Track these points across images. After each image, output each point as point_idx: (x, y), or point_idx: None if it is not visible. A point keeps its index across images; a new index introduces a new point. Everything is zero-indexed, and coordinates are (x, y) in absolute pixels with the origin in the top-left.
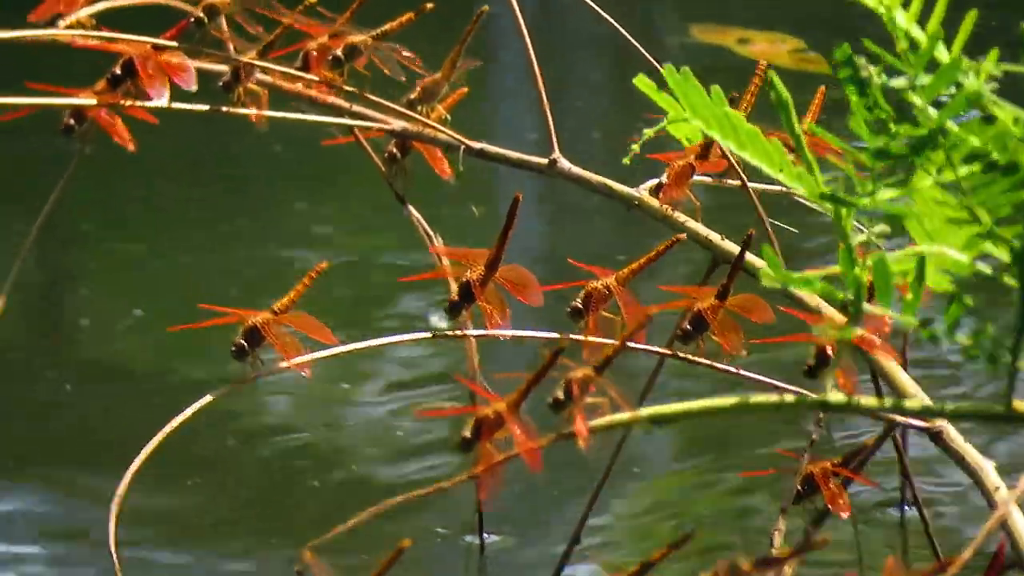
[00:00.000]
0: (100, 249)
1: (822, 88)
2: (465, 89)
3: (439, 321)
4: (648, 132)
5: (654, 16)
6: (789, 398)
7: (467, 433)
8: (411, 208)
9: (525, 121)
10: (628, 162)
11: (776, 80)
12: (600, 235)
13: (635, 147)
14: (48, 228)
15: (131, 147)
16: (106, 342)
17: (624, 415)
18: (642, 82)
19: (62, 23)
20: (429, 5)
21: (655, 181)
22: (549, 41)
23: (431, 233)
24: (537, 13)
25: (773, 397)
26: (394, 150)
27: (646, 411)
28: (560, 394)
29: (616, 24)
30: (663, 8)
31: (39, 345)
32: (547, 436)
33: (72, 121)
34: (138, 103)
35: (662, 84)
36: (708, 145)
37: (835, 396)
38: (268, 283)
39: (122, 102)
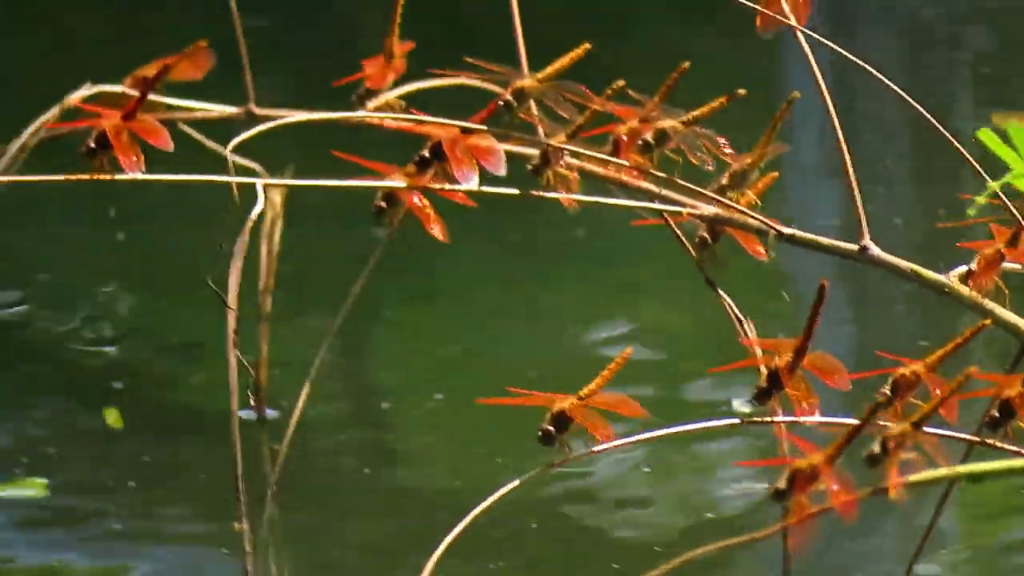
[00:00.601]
0: (399, 329)
1: None
2: (776, 174)
3: (741, 406)
4: (993, 185)
5: (951, 102)
6: None
7: (781, 485)
8: (722, 293)
9: (824, 205)
10: (972, 212)
11: None
12: (901, 321)
13: (980, 198)
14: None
15: (443, 237)
16: (408, 427)
17: (942, 471)
18: (986, 135)
19: (371, 104)
20: (741, 91)
21: (964, 268)
22: (843, 123)
23: (742, 319)
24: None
25: None
26: (705, 235)
27: (964, 468)
28: (876, 448)
29: (916, 104)
30: (960, 94)
31: (341, 428)
32: (862, 489)
33: (384, 204)
34: (448, 186)
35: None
36: (1017, 233)
37: None
38: (568, 366)
39: (433, 185)
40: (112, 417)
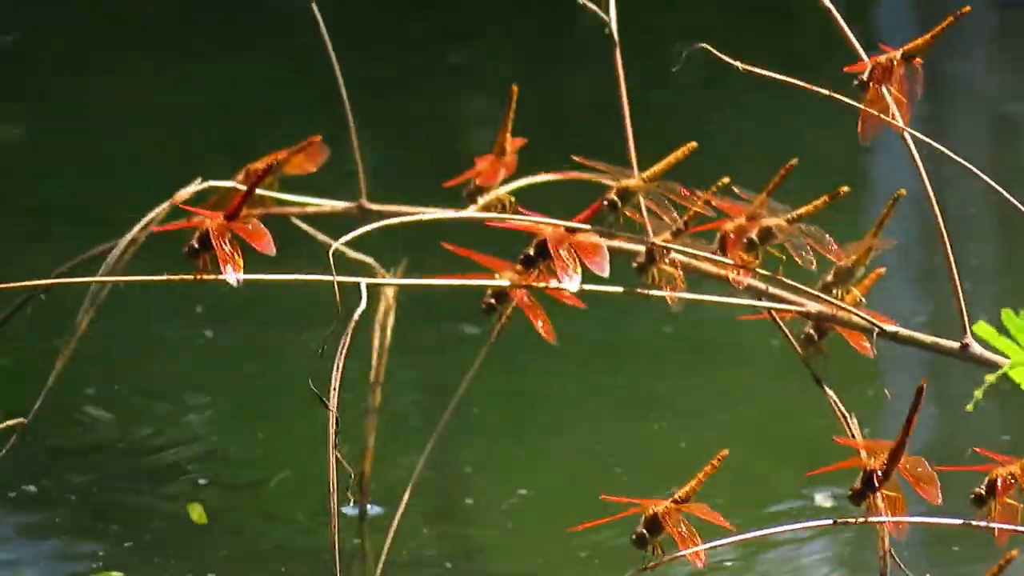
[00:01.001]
0: (484, 424)
1: None
2: (882, 270)
3: (824, 500)
4: (990, 378)
5: None
6: None
7: None
8: (828, 390)
9: (911, 300)
10: (971, 408)
11: None
12: (983, 417)
13: (969, 407)
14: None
15: (551, 337)
16: (491, 524)
17: None
18: (982, 328)
19: (480, 200)
20: (845, 189)
21: None
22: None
23: (847, 416)
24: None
25: None
26: (811, 331)
27: None
28: (982, 490)
29: (1008, 196)
30: None
31: (427, 522)
32: None
33: (493, 300)
34: (552, 283)
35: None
36: None
37: None
38: (654, 462)
39: (540, 283)
40: (196, 513)
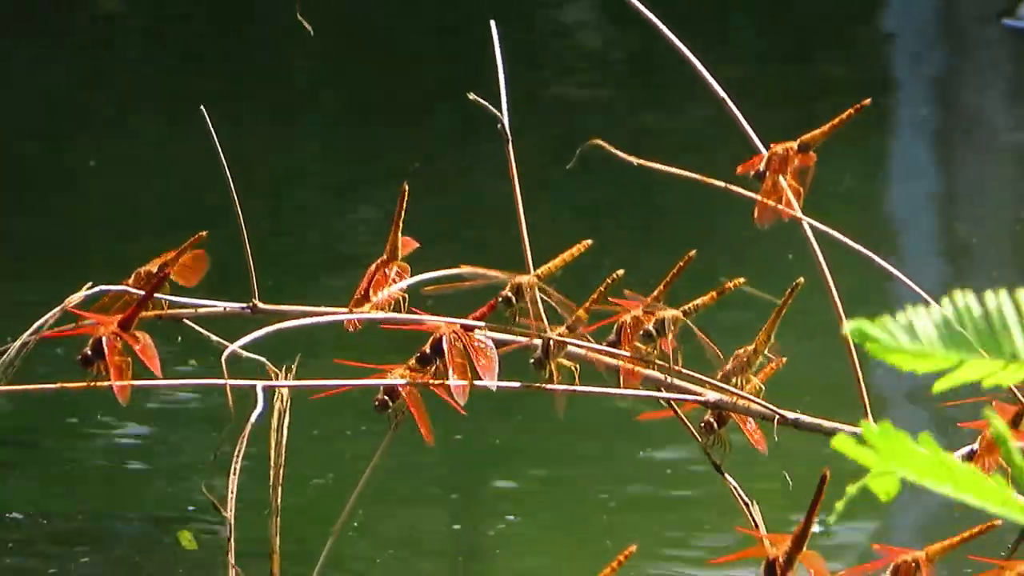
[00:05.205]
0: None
1: None
2: (783, 360)
3: None
4: (851, 489)
5: None
6: None
7: None
8: (729, 479)
9: (834, 378)
10: (832, 522)
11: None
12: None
13: (830, 520)
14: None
15: (430, 440)
16: None
17: None
18: (841, 442)
19: (374, 299)
20: (740, 280)
21: (968, 449)
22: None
23: (748, 503)
24: None
25: None
26: (711, 420)
27: None
28: None
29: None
30: None
31: None
32: None
33: (386, 398)
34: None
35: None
36: (1020, 414)
37: None
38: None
39: (430, 382)
40: None
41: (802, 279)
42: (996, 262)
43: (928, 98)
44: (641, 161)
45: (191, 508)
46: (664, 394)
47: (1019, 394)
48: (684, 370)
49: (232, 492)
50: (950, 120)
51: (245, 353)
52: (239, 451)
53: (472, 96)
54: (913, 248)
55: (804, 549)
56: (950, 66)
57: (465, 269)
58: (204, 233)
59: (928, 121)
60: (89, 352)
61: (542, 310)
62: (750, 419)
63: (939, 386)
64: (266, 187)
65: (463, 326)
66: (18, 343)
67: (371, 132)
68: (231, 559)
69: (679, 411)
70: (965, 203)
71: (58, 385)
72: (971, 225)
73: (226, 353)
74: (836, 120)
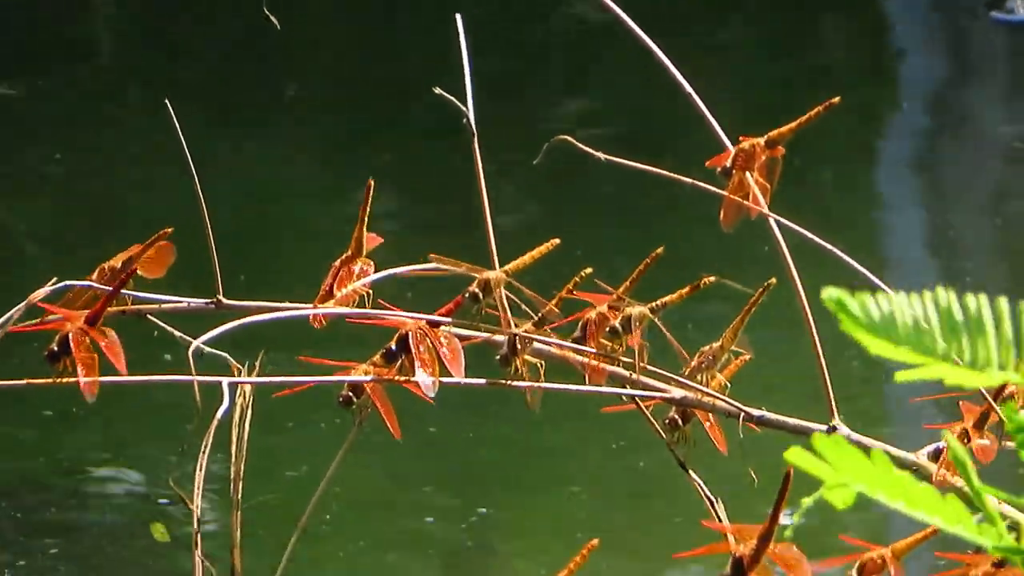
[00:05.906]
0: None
1: None
2: (748, 356)
3: None
4: (806, 501)
5: None
6: None
7: None
8: (693, 475)
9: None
10: (789, 534)
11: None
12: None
13: (788, 533)
14: None
15: (397, 435)
16: None
17: None
18: (795, 454)
19: (338, 294)
20: (709, 279)
21: (935, 447)
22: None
23: (713, 500)
24: None
25: None
26: (676, 417)
27: None
28: None
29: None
30: None
31: None
32: None
33: (350, 394)
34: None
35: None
36: (985, 415)
37: None
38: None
39: (396, 378)
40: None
41: (774, 280)
42: (978, 254)
43: (917, 92)
44: (610, 158)
45: (163, 501)
46: (629, 391)
47: (987, 394)
48: (649, 367)
49: (198, 487)
50: (938, 114)
51: (207, 348)
52: (205, 445)
53: (437, 90)
54: (900, 241)
55: (772, 544)
56: (940, 61)
57: (433, 262)
58: (170, 229)
59: (914, 113)
60: (55, 348)
61: (507, 306)
62: (711, 416)
63: (900, 377)
64: (246, 189)
65: (429, 322)
66: None
67: (351, 129)
68: (197, 551)
69: (644, 407)
70: (952, 196)
71: (24, 382)
72: (957, 218)
73: (191, 348)
74: (804, 117)
